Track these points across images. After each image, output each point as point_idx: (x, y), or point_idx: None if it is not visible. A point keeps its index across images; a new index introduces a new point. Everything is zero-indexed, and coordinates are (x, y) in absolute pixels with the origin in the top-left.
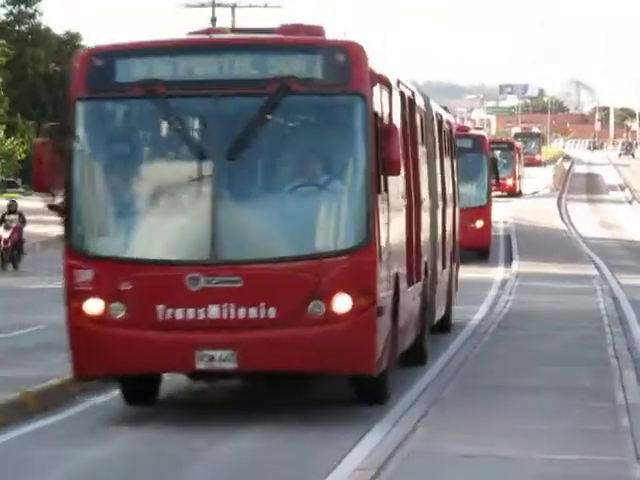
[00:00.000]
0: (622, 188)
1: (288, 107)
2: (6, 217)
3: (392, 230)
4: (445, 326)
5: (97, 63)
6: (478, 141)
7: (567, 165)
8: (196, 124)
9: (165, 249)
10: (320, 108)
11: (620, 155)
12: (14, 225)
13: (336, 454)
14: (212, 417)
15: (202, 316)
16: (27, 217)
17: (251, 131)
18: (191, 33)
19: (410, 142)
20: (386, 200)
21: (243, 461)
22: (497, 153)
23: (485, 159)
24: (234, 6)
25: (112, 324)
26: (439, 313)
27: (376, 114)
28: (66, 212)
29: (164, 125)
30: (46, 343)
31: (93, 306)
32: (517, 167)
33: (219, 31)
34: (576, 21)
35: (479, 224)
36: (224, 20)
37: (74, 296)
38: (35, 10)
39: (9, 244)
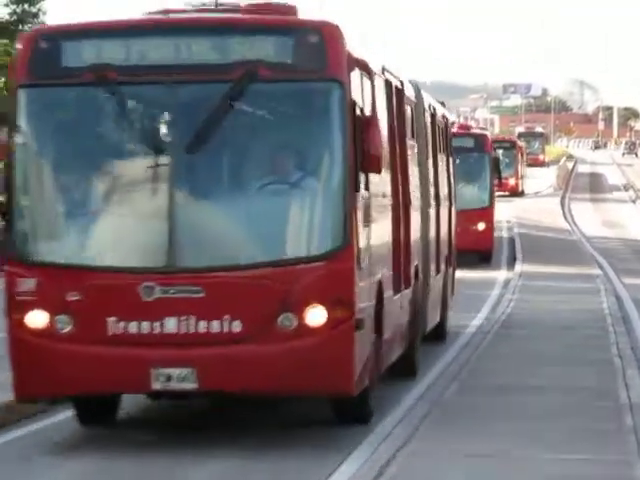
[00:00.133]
0: (626, 188)
1: (255, 95)
2: None
3: (374, 233)
4: (440, 334)
5: (42, 46)
6: (480, 140)
7: (570, 165)
8: (152, 114)
9: (117, 255)
10: (291, 96)
11: (623, 154)
12: None
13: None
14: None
15: (158, 330)
16: None
17: (213, 122)
18: (148, 13)
19: (398, 136)
20: (367, 199)
21: None
22: (499, 152)
23: (487, 159)
24: None
25: (57, 339)
26: (432, 321)
27: (355, 103)
28: (6, 213)
29: (116, 116)
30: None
31: (36, 319)
32: (519, 167)
33: (179, 11)
34: (578, 20)
35: (481, 226)
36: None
37: (16, 307)
38: (39, 9)
39: None
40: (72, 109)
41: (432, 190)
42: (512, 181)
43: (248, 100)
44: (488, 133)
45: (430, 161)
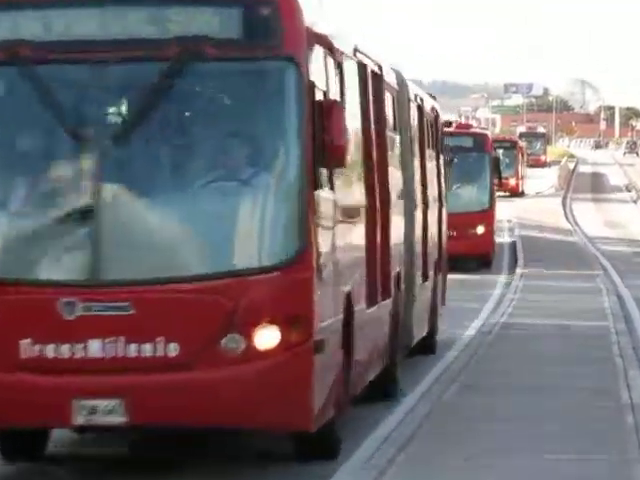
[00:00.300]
0: (628, 189)
1: (196, 77)
2: None
3: (342, 237)
4: (429, 346)
5: None
6: (479, 140)
7: (572, 165)
8: (74, 100)
9: (32, 265)
10: (239, 78)
11: (625, 154)
12: None
13: None
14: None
15: (80, 354)
16: None
17: (147, 109)
18: None
19: (375, 127)
20: (331, 199)
21: None
22: (500, 152)
23: (487, 159)
24: None
25: None
26: (419, 333)
27: (315, 86)
28: None
29: (32, 102)
30: None
31: None
32: (520, 167)
33: None
34: (561, 17)
35: (480, 230)
36: None
37: None
38: None
39: None
40: None
41: (419, 189)
42: (512, 181)
43: (188, 82)
44: (488, 132)
45: (416, 157)
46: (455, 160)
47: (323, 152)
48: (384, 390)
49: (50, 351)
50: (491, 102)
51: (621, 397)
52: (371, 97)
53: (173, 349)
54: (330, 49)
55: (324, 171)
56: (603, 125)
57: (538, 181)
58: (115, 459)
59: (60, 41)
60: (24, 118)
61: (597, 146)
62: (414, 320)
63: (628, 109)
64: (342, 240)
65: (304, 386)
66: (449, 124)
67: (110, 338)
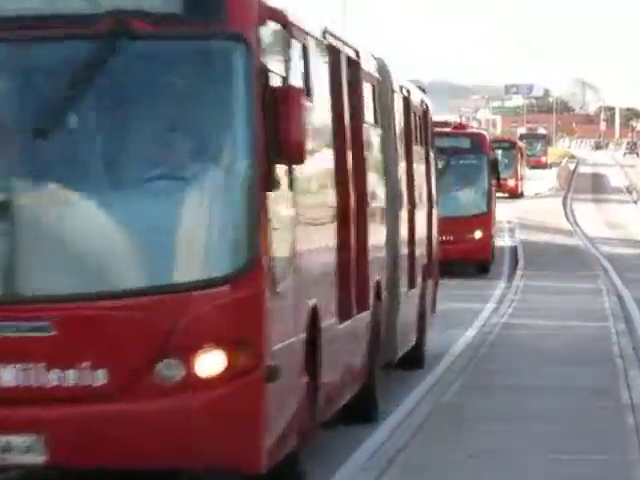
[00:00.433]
0: (629, 191)
1: (128, 57)
2: None
3: (304, 244)
4: (416, 359)
5: None
6: (477, 140)
7: (572, 165)
8: None
9: None
10: (178, 59)
11: (625, 154)
12: None
13: None
14: None
15: None
16: None
17: (73, 94)
18: None
19: (351, 119)
20: (289, 200)
21: None
22: (498, 153)
23: (485, 160)
24: None
25: None
26: (405, 345)
27: (267, 70)
28: None
29: None
30: None
31: None
32: (519, 167)
33: None
34: (550, 11)
35: (478, 235)
36: None
37: None
38: None
39: None
40: None
41: (404, 189)
42: (511, 182)
43: (119, 64)
44: (485, 132)
45: (402, 154)
46: (451, 161)
47: (278, 146)
48: (363, 412)
49: None
50: (491, 103)
51: (621, 397)
52: (345, 86)
53: (101, 377)
54: (290, 28)
55: (282, 169)
56: (603, 126)
57: (538, 182)
58: None
59: None
60: None
61: (597, 147)
62: (398, 332)
63: (628, 110)
64: (305, 247)
65: (253, 420)
66: (446, 124)
67: (27, 363)
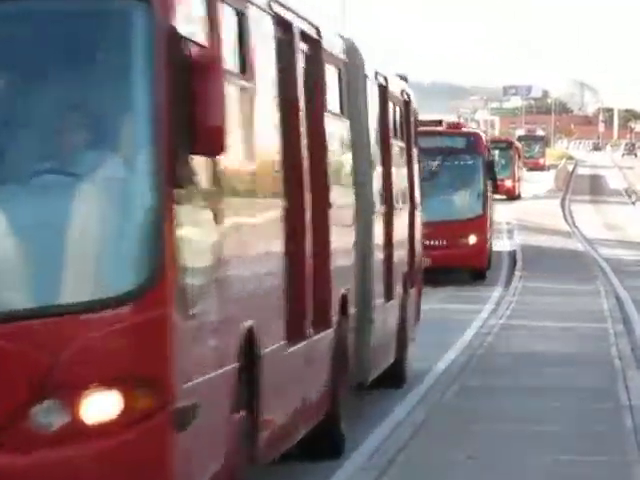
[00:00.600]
0: (628, 193)
1: (9, 20)
2: None
3: (232, 254)
4: (396, 377)
5: None
6: (472, 140)
7: (570, 167)
8: None
9: None
10: (67, 23)
11: (623, 155)
12: None
13: None
14: None
15: None
16: None
17: None
18: None
19: (305, 108)
20: (210, 201)
21: None
22: (495, 153)
23: (480, 162)
24: None
25: None
26: (381, 364)
27: (182, 39)
28: None
29: None
30: None
31: None
32: (516, 168)
33: None
34: (550, 11)
35: (472, 239)
36: None
37: None
38: None
39: None
40: None
41: (379, 189)
42: (509, 183)
43: None
44: (481, 132)
45: (376, 149)
46: (446, 163)
47: (191, 132)
48: (327, 445)
49: None
50: (490, 104)
51: (620, 398)
52: (300, 67)
53: None
54: None
55: (201, 160)
56: (602, 127)
57: (536, 185)
58: None
59: None
60: None
61: (596, 148)
62: (372, 350)
63: (627, 111)
64: (237, 256)
65: (156, 476)
66: (439, 123)
67: None
